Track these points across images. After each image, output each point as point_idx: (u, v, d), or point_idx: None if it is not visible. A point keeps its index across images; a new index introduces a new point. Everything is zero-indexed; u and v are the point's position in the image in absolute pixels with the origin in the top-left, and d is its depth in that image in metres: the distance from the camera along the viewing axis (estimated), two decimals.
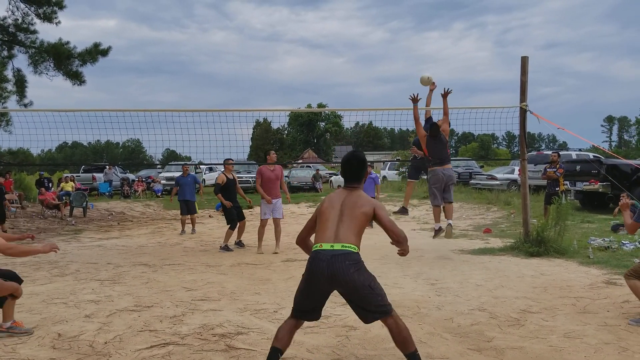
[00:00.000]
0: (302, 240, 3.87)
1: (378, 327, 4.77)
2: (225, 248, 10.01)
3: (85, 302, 5.85)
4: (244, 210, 11.03)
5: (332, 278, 3.41)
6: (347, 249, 3.47)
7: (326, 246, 3.49)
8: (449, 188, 8.30)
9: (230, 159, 10.52)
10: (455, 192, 18.89)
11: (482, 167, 32.66)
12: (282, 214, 10.03)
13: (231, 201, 10.30)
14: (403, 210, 9.55)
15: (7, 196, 15.75)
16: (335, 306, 5.57)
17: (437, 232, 8.52)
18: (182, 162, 15.32)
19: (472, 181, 24.18)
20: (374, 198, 14.11)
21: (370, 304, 3.45)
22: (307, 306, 3.59)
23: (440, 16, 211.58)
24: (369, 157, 9.05)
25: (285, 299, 5.94)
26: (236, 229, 10.46)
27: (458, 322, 5.01)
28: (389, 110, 10.16)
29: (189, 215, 13.37)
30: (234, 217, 10.27)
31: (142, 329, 4.80)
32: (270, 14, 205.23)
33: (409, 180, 9.72)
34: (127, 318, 5.19)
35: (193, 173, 14.63)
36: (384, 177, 31.01)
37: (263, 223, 9.73)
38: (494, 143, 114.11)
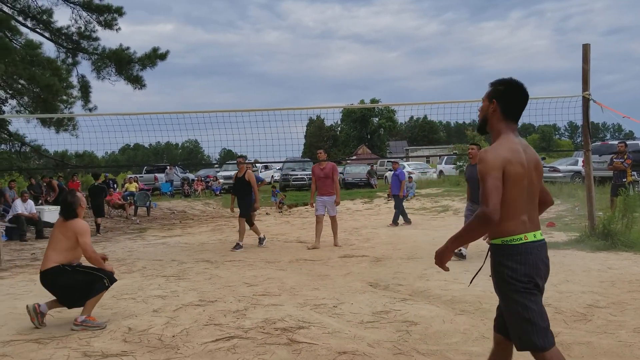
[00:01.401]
0: (498, 213, 2.50)
1: (439, 323, 4.75)
2: (260, 241, 10.37)
3: (152, 298, 6.09)
4: (299, 207, 11.10)
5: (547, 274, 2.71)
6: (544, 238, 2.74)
7: (538, 236, 2.68)
8: None
9: (242, 156, 10.52)
10: None
11: (543, 159, 31.61)
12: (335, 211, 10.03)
13: (239, 199, 10.29)
14: None
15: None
16: (395, 301, 5.58)
17: None
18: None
19: None
20: (399, 196, 13.57)
21: None
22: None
23: (496, 5, 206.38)
24: (425, 152, 8.96)
25: (344, 294, 5.99)
26: (241, 230, 10.31)
27: None
28: (445, 103, 10.01)
29: None
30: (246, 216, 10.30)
31: (207, 323, 4.95)
32: (322, 12, 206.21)
33: None
34: (193, 312, 5.36)
35: (257, 173, 14.87)
36: (441, 171, 30.55)
37: (316, 219, 9.96)
38: (556, 134, 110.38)
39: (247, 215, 10.29)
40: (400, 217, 13.54)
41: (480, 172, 2.59)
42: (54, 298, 5.12)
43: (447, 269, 2.80)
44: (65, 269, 5.00)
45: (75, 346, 4.42)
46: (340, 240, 10.05)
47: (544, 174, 18.69)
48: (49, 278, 5.00)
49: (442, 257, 2.73)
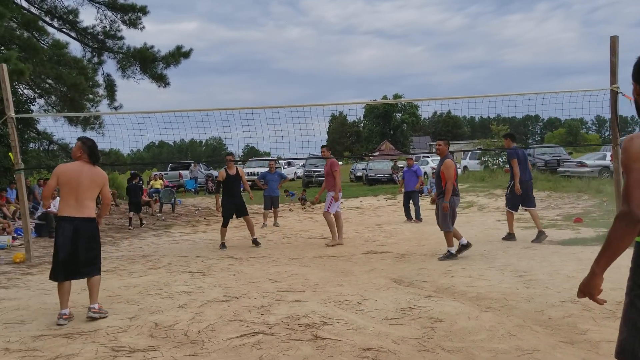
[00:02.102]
0: None
1: (464, 320, 4.71)
2: (222, 246, 9.91)
3: (178, 293, 6.15)
4: (322, 203, 11.04)
5: None
6: None
7: None
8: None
9: (231, 154, 10.37)
10: (543, 181, 18.18)
11: (570, 153, 31.14)
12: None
13: (232, 197, 9.95)
14: (510, 237, 9.22)
15: None
16: (419, 298, 5.55)
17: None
18: (264, 159, 15.69)
19: (560, 169, 23.11)
20: (416, 192, 13.45)
21: None
22: None
23: None
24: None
25: (367, 290, 5.98)
26: (250, 226, 10.13)
27: (549, 314, 4.84)
28: (469, 97, 9.87)
29: (272, 209, 13.73)
30: (227, 216, 9.94)
31: (232, 319, 4.99)
32: (344, 7, 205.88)
33: (510, 210, 9.33)
34: (218, 308, 5.41)
35: (280, 170, 14.92)
36: (465, 167, 30.26)
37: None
38: (583, 128, 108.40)
39: (246, 212, 10.08)
40: (412, 213, 13.60)
41: (623, 164, 2.23)
42: (65, 295, 5.11)
43: (602, 302, 2.40)
44: (97, 230, 5.20)
45: (103, 341, 4.48)
46: (363, 237, 10.00)
47: (571, 169, 18.28)
48: (82, 227, 5.05)
49: (590, 288, 2.37)
